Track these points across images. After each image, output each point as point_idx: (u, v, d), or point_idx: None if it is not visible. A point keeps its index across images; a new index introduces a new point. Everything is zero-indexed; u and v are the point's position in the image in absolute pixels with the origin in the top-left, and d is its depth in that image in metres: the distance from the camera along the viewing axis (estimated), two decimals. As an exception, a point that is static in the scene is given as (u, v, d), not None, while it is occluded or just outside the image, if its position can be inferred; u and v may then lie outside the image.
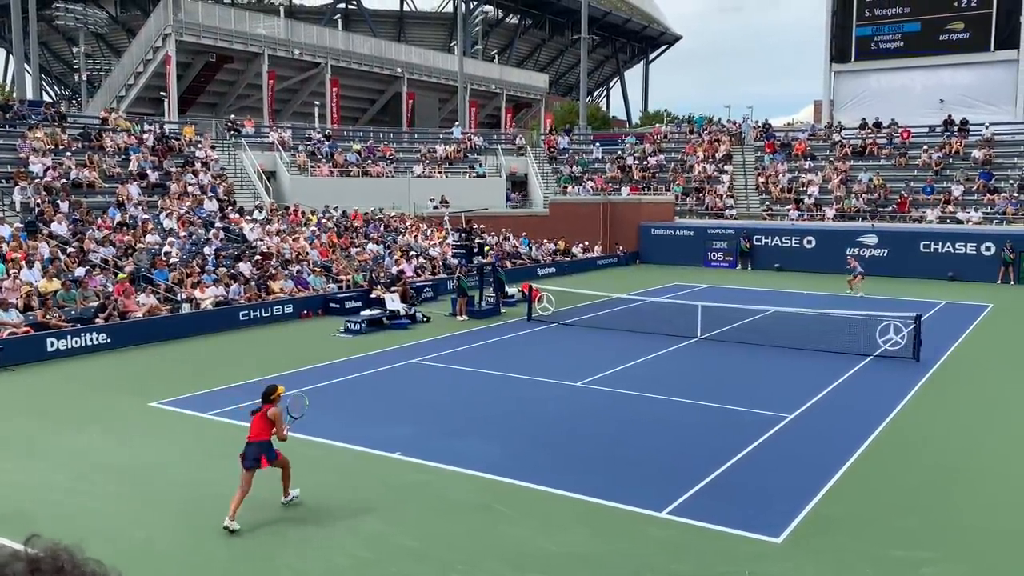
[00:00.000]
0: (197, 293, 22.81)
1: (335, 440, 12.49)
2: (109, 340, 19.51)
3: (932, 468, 11.58)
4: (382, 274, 28.05)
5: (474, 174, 43.88)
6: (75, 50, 62.50)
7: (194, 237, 27.07)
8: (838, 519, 9.67)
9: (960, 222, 37.78)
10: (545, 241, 38.98)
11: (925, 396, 15.49)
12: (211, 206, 30.52)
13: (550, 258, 37.77)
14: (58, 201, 26.23)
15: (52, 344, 18.53)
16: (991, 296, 29.01)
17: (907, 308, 22.59)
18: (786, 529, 9.33)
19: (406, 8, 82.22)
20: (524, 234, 38.82)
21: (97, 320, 20.00)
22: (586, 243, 40.58)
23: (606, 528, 9.43)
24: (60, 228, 24.68)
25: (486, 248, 31.80)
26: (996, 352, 19.80)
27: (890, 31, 50.32)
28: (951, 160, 42.23)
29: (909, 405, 14.81)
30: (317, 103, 53.98)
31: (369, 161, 41.54)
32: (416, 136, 50.14)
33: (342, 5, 77.77)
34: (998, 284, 32.47)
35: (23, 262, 21.29)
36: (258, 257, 26.73)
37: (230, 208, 31.27)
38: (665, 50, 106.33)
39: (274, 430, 9.62)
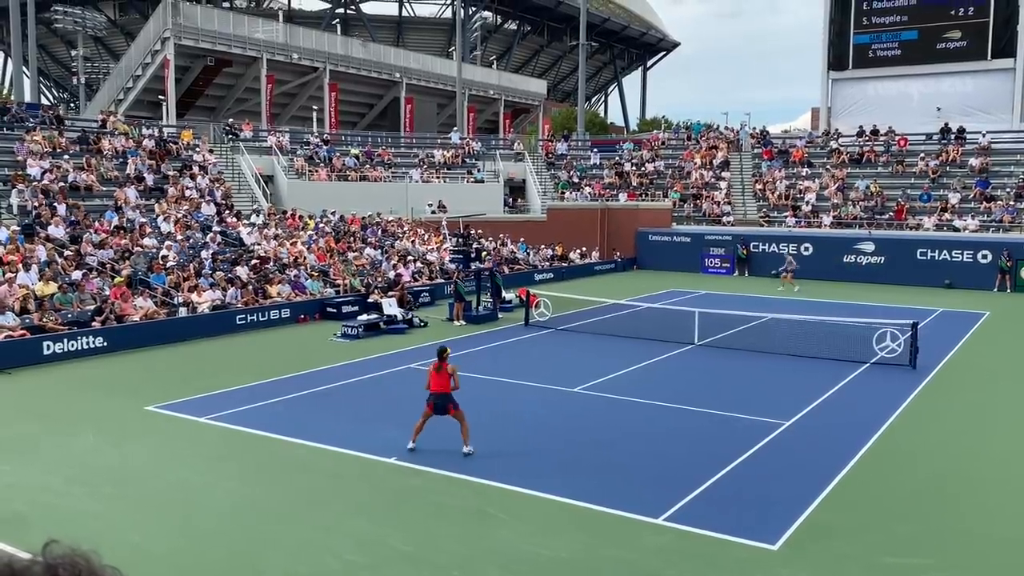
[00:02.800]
0: (194, 297, 22.79)
1: (330, 445, 12.47)
2: (106, 344, 19.47)
3: (929, 475, 11.59)
4: (379, 279, 28.05)
5: (472, 179, 43.92)
6: (73, 53, 62.51)
7: (191, 241, 27.06)
8: (835, 526, 9.66)
9: (957, 230, 37.87)
10: (543, 246, 39.00)
11: (922, 403, 15.50)
12: (209, 210, 30.50)
13: (547, 263, 37.79)
14: (55, 204, 26.21)
15: (48, 347, 18.49)
16: (988, 304, 29.06)
17: (904, 315, 22.63)
18: (783, 536, 9.33)
19: (405, 13, 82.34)
20: (522, 239, 38.84)
21: (94, 323, 19.97)
22: (583, 249, 40.60)
23: (601, 534, 9.41)
24: (57, 231, 24.66)
25: (483, 253, 31.83)
26: (993, 359, 19.82)
27: (888, 39, 50.49)
28: (948, 168, 42.35)
29: (906, 412, 14.82)
30: (315, 107, 54.01)
31: (367, 166, 41.57)
32: (414, 141, 50.18)
33: (341, 10, 77.84)
34: (995, 292, 32.51)
35: (20, 265, 21.25)
36: (255, 261, 26.71)
37: (228, 212, 31.27)
38: (663, 56, 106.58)
39: (452, 383, 11.95)
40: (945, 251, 34.42)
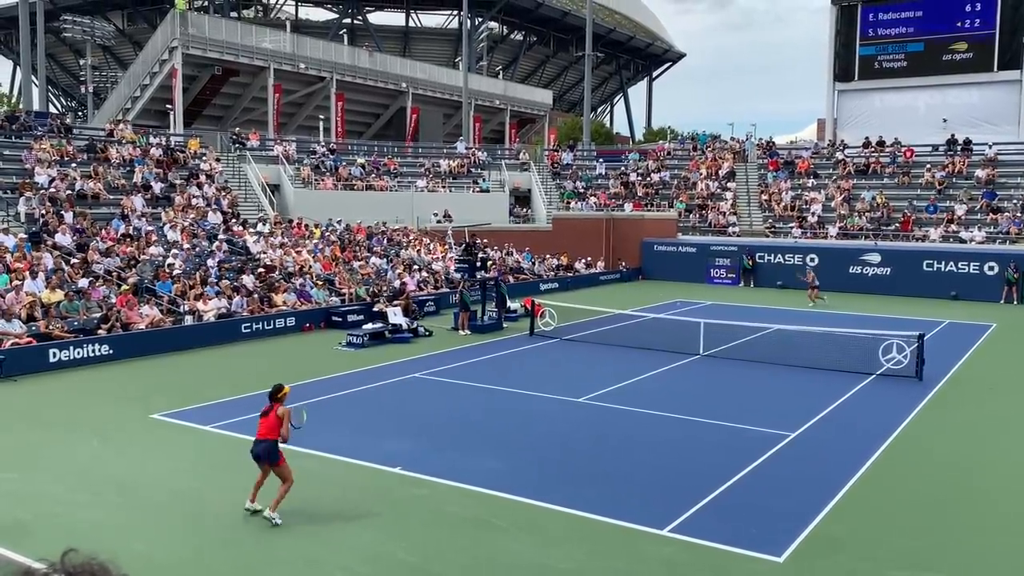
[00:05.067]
0: (200, 305, 22.83)
1: (335, 454, 12.45)
2: (111, 351, 19.51)
3: (935, 487, 11.52)
4: (385, 288, 28.06)
5: (478, 189, 43.97)
6: (82, 62, 62.81)
7: (197, 249, 27.12)
8: (841, 538, 9.61)
9: (963, 241, 37.78)
10: (548, 256, 39.02)
11: (928, 415, 15.44)
12: (215, 218, 30.58)
13: (553, 273, 37.79)
14: (62, 212, 26.31)
15: (54, 355, 18.53)
16: (995, 316, 28.97)
17: (910, 327, 22.57)
18: (788, 548, 9.28)
19: (411, 24, 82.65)
20: (527, 249, 38.86)
21: (99, 331, 20.00)
22: (589, 259, 40.61)
23: (606, 545, 9.38)
24: (64, 239, 24.74)
25: (489, 263, 31.83)
26: (1000, 371, 19.74)
27: (893, 51, 50.52)
28: (954, 179, 42.29)
29: (912, 424, 14.75)
30: (322, 117, 54.19)
31: (373, 175, 41.66)
32: (420, 150, 50.29)
33: (348, 20, 78.18)
34: (1001, 304, 32.40)
35: (27, 272, 21.32)
36: (261, 270, 26.76)
37: (234, 220, 31.34)
38: (669, 67, 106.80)
39: (282, 430, 9.84)
40: (951, 263, 34.35)
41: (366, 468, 11.91)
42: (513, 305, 26.94)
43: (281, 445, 9.92)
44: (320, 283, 27.28)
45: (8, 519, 9.92)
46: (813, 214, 42.47)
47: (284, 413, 9.93)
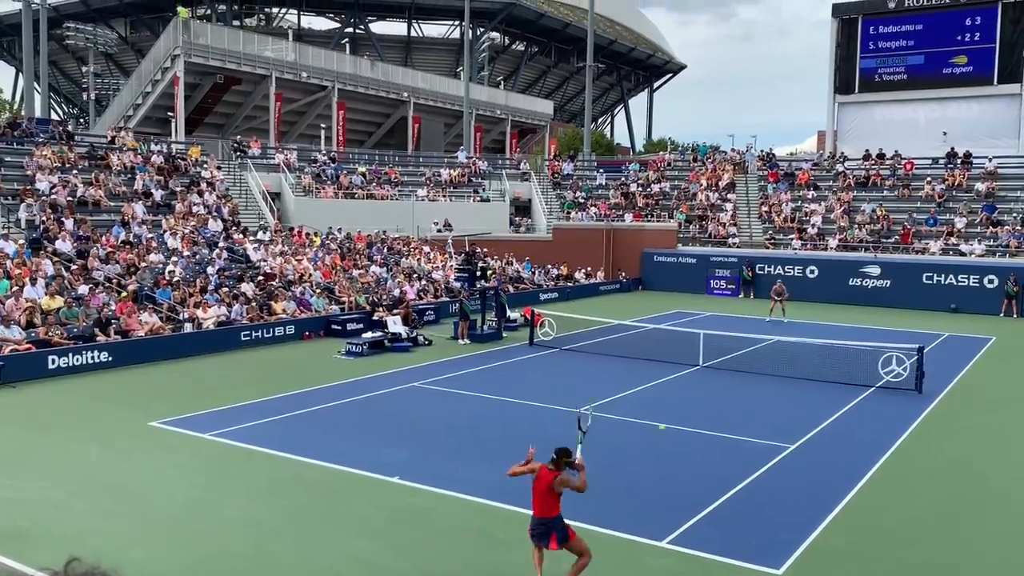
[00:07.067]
0: (199, 312, 22.82)
1: (333, 463, 12.43)
2: (110, 358, 19.49)
3: (935, 500, 11.50)
4: (384, 296, 28.06)
5: (478, 198, 44.04)
6: (84, 69, 62.98)
7: (198, 257, 27.13)
8: (840, 551, 9.59)
9: (963, 254, 37.82)
10: (548, 266, 39.04)
11: (928, 428, 15.42)
12: (215, 226, 30.60)
13: (552, 283, 37.80)
14: (63, 219, 26.32)
15: (53, 361, 18.52)
16: (994, 329, 28.97)
17: (910, 340, 22.57)
18: (787, 560, 9.26)
19: (413, 34, 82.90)
20: (527, 259, 38.89)
21: (98, 338, 19.98)
22: (589, 269, 40.64)
23: (605, 556, 9.34)
24: (64, 246, 24.75)
25: (489, 272, 31.84)
26: (999, 385, 19.73)
27: (894, 64, 50.66)
28: (954, 192, 42.37)
29: (912, 437, 14.74)
30: (323, 126, 54.28)
31: (374, 184, 41.72)
32: (421, 160, 50.36)
33: (350, 29, 78.43)
34: (1001, 317, 32.42)
35: (27, 279, 21.32)
36: (261, 277, 26.76)
37: (234, 228, 31.36)
38: (670, 78, 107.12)
39: (576, 482, 8.41)
40: (951, 275, 34.38)
41: (364, 477, 11.88)
42: (513, 315, 26.96)
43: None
44: (320, 291, 27.27)
45: (7, 526, 9.90)
46: (813, 226, 42.53)
47: (562, 483, 8.28)
